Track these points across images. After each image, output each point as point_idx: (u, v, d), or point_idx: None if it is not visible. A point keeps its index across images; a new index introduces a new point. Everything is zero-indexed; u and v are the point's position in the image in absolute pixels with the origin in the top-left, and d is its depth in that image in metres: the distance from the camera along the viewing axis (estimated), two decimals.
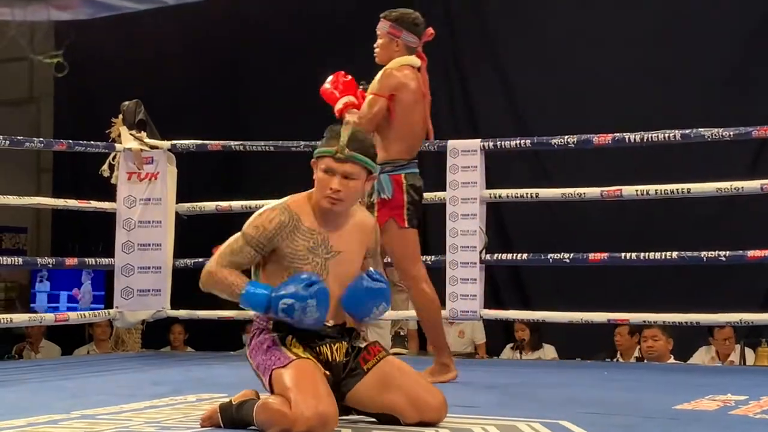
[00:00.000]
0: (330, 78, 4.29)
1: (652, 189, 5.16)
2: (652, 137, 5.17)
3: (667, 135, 5.13)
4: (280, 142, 5.92)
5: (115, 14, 8.24)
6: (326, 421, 2.72)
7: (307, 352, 2.89)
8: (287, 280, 2.85)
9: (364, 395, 2.93)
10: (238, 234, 2.96)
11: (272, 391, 2.86)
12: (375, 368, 2.94)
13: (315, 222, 2.95)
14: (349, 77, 4.29)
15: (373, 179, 3.06)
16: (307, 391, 2.74)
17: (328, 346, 2.95)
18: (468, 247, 5.37)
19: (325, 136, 2.99)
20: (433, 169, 6.20)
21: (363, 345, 3.01)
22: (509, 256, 5.77)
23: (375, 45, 4.30)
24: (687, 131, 5.09)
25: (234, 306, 5.60)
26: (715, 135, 5.03)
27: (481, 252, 5.39)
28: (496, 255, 5.61)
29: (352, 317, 3.01)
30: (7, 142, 5.34)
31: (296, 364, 2.84)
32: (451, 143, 5.52)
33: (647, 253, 5.13)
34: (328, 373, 2.88)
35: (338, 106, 4.20)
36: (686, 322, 5.13)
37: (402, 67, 4.19)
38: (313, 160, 3.01)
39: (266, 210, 2.97)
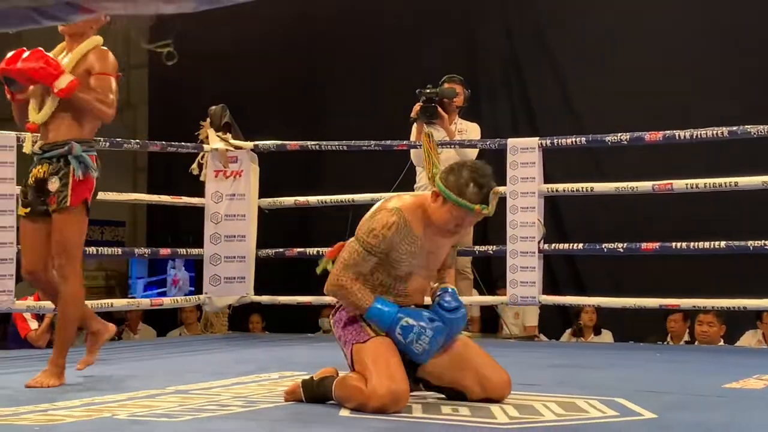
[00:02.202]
0: (27, 56, 3.41)
1: (702, 182, 5.07)
2: (701, 134, 5.08)
3: (715, 132, 5.04)
4: (353, 141, 5.94)
5: (202, 17, 8.31)
6: (398, 399, 2.72)
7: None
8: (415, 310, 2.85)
9: (435, 370, 2.93)
10: (356, 244, 2.83)
11: (353, 364, 2.87)
12: (446, 346, 2.93)
13: (421, 229, 2.87)
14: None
15: None
16: (382, 370, 2.75)
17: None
18: (527, 237, 5.34)
19: (471, 184, 2.79)
20: (493, 165, 6.17)
21: None
22: (566, 246, 5.72)
23: None
24: (734, 128, 4.99)
25: (311, 292, 5.63)
26: (761, 131, 4.93)
27: (539, 242, 5.35)
28: (553, 245, 5.56)
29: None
30: (108, 143, 5.44)
31: (374, 342, 2.84)
32: (511, 141, 5.49)
33: (697, 243, 5.05)
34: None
35: (61, 84, 3.40)
36: (734, 307, 5.05)
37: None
38: (438, 191, 2.82)
39: (383, 214, 2.85)
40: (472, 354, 2.95)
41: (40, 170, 3.55)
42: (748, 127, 4.95)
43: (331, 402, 2.88)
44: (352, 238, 2.87)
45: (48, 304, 5.11)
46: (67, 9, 1.44)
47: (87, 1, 1.41)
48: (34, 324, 5.28)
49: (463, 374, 2.91)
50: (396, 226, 2.82)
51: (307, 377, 2.97)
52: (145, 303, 6.26)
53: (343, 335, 2.93)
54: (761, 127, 4.92)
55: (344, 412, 2.76)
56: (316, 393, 2.91)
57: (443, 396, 2.97)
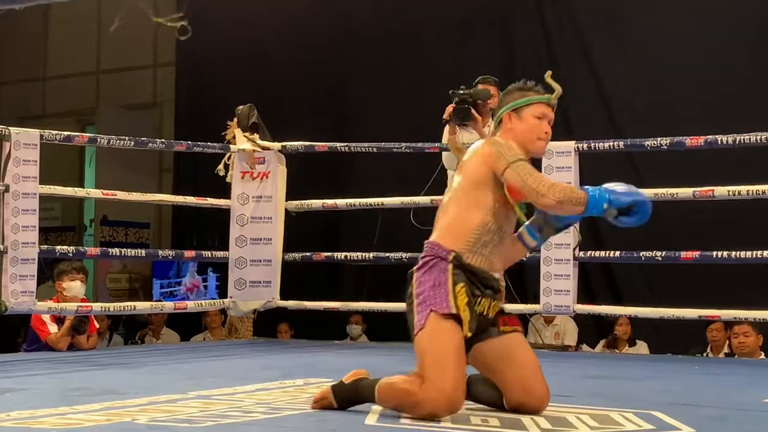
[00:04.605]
0: None
1: (744, 189, 5.01)
2: (744, 139, 5.02)
3: (759, 137, 4.98)
4: (383, 143, 5.93)
5: (230, 17, 8.38)
6: (453, 408, 2.71)
7: (467, 308, 2.80)
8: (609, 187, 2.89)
9: (485, 354, 2.86)
10: (517, 162, 2.85)
11: (419, 328, 2.78)
12: (507, 336, 2.88)
13: None
14: None
15: None
16: (441, 372, 2.69)
17: (488, 300, 2.87)
18: (562, 244, 5.29)
19: (522, 88, 2.98)
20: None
21: (507, 311, 2.96)
22: (602, 253, 5.67)
23: None
24: None
25: (338, 297, 5.61)
26: None
27: (574, 249, 5.31)
28: (589, 252, 5.52)
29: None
30: (133, 142, 5.47)
31: (447, 332, 2.76)
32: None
33: (738, 252, 4.98)
34: (469, 334, 2.80)
35: None
36: None
37: None
38: (508, 113, 2.97)
39: (504, 141, 2.92)
40: (525, 355, 2.90)
41: None
42: None
43: (359, 407, 2.85)
44: (507, 168, 2.84)
45: (69, 307, 5.15)
46: None
47: None
48: (53, 327, 5.31)
49: (508, 372, 2.84)
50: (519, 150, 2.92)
51: (335, 382, 2.95)
52: (168, 306, 6.28)
53: (424, 293, 2.82)
54: None
55: (370, 420, 2.75)
56: (349, 396, 2.86)
57: (473, 404, 2.94)
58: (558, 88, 2.98)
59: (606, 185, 2.89)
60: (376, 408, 2.90)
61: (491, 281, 2.90)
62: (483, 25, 7.87)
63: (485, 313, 2.87)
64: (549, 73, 3.03)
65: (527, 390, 2.85)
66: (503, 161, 2.85)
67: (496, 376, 2.89)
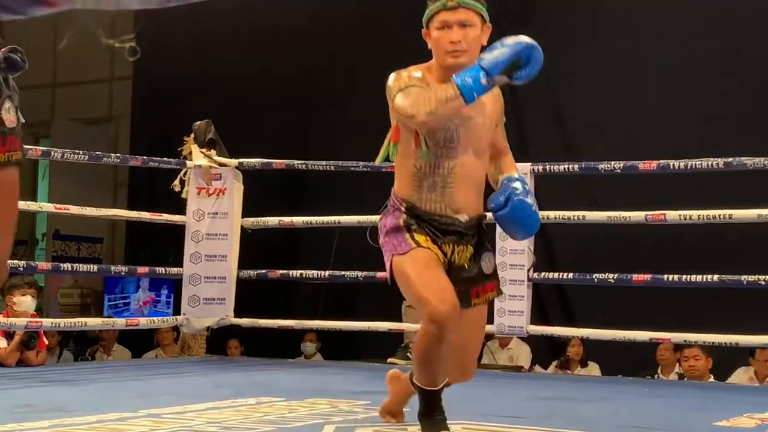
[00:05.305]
0: None
1: (695, 214, 5.08)
2: (695, 164, 5.09)
3: (710, 162, 5.06)
4: (340, 162, 5.93)
5: (189, 32, 8.35)
6: (446, 316, 2.52)
7: (429, 243, 2.66)
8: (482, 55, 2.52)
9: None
10: (400, 91, 2.60)
11: (392, 275, 2.69)
12: (472, 309, 2.75)
13: (439, 81, 2.64)
14: None
15: (488, 29, 2.71)
16: (430, 287, 2.56)
17: (451, 246, 2.69)
18: (516, 265, 5.32)
19: (429, 1, 2.70)
20: (485, 191, 6.14)
21: (488, 273, 2.78)
22: (556, 275, 5.72)
23: None
24: (730, 159, 5.00)
25: (293, 315, 5.57)
26: (757, 164, 4.95)
27: (528, 270, 5.34)
28: (543, 273, 5.55)
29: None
30: (87, 156, 5.41)
31: (415, 254, 2.63)
32: None
33: (689, 276, 5.05)
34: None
35: None
36: (726, 343, 5.04)
37: None
38: (424, 31, 2.71)
39: (397, 73, 2.67)
40: (471, 336, 2.79)
41: None
42: (744, 158, 4.97)
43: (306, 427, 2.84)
44: (393, 101, 2.63)
45: (18, 322, 5.07)
46: (26, 1, 1.40)
47: None
48: (2, 342, 5.23)
49: (459, 351, 2.71)
50: (417, 76, 2.66)
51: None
52: (120, 323, 6.22)
53: (384, 242, 2.73)
54: (757, 159, 4.94)
55: None
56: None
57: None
58: None
59: (481, 55, 2.54)
60: (329, 427, 2.89)
61: (451, 225, 2.69)
62: None
63: (451, 259, 2.69)
64: None
65: (462, 370, 2.78)
66: (391, 93, 2.64)
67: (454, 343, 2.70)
